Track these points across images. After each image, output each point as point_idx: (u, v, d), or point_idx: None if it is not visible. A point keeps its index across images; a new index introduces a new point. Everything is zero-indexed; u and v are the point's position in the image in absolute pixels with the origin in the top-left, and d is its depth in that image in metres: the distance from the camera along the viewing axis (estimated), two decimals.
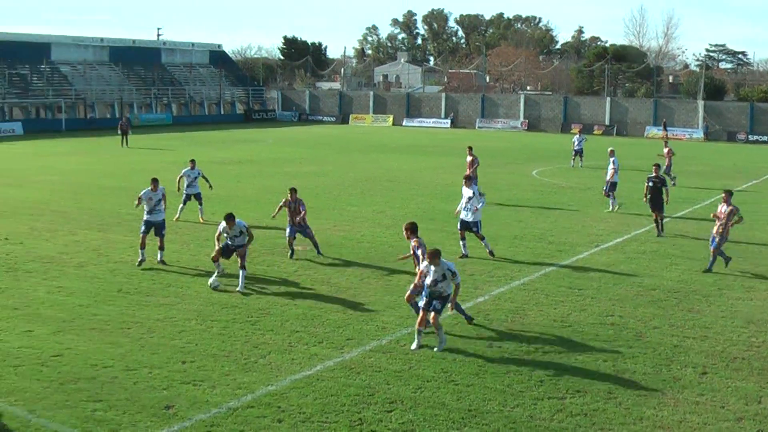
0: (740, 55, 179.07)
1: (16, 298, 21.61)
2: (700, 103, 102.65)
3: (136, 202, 26.34)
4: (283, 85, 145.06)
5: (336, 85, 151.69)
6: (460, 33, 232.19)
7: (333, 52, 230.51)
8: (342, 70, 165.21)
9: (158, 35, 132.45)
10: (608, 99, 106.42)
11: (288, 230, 26.81)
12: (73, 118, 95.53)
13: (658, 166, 32.29)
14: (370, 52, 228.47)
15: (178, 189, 33.39)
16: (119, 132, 71.79)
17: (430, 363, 16.78)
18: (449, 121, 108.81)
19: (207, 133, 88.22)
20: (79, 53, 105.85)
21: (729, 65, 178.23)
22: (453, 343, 17.98)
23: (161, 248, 25.90)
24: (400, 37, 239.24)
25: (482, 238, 26.64)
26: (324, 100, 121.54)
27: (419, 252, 19.41)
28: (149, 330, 18.69)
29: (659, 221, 31.32)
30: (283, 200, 26.84)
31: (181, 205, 33.36)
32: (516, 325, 19.51)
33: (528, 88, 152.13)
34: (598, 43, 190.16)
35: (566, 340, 18.51)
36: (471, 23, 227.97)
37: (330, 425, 13.75)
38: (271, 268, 25.12)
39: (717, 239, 25.36)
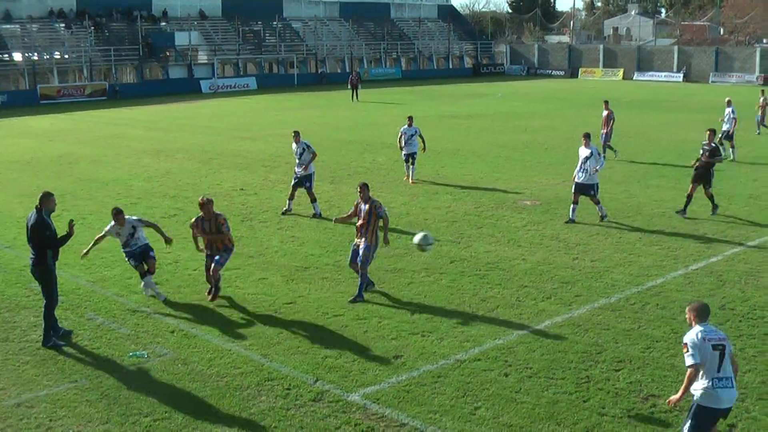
0: None
1: (252, 246, 22.44)
2: None
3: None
4: (511, 39, 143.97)
5: (565, 39, 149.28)
6: None
7: (562, 5, 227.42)
8: (571, 23, 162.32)
9: None
10: None
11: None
12: (304, 73, 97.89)
13: (712, 131, 26.43)
14: (599, 4, 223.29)
15: (400, 148, 32.32)
16: (349, 86, 73.09)
17: (660, 323, 16.41)
18: (681, 75, 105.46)
19: (435, 87, 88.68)
20: (310, 9, 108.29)
21: None
22: (683, 304, 17.48)
23: (313, 200, 26.33)
24: None
25: (598, 203, 25.05)
26: (553, 53, 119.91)
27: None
28: (379, 281, 19.01)
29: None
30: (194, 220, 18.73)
31: (405, 164, 32.21)
32: (750, 288, 18.76)
33: (765, 40, 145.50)
34: None
35: None
36: None
37: (556, 381, 13.67)
38: (499, 222, 25.08)
39: None
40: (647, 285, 18.82)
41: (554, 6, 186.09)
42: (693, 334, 10.52)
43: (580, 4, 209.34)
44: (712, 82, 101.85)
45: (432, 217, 25.62)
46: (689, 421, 10.62)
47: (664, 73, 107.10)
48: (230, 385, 13.61)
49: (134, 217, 18.52)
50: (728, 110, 38.49)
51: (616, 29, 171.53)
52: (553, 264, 20.57)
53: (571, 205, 25.27)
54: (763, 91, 47.84)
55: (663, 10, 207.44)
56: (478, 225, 24.65)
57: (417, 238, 17.89)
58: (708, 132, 26.03)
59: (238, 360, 14.62)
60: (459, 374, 13.96)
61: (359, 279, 17.99)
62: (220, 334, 15.93)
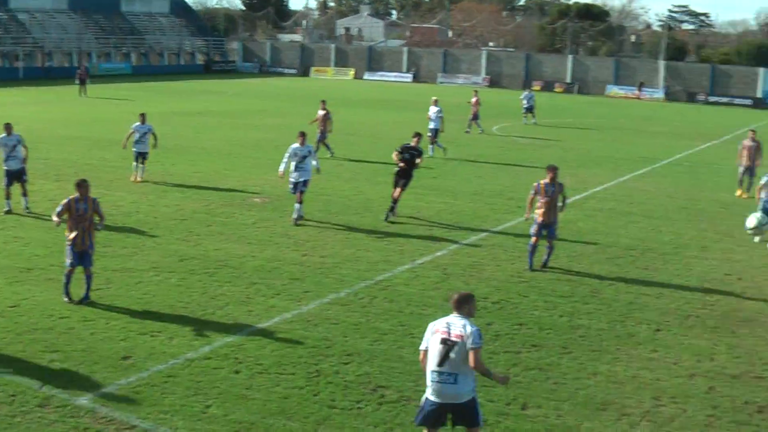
0: (702, 16, 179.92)
1: None
2: (662, 63, 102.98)
3: None
4: (244, 37, 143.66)
5: (297, 37, 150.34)
6: None
7: (295, 4, 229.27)
8: (304, 22, 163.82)
9: None
10: (570, 57, 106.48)
11: None
12: (30, 66, 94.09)
13: (419, 135, 26.61)
14: (332, 4, 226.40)
15: (125, 146, 31.43)
16: (77, 81, 70.94)
17: (388, 316, 16.85)
18: (411, 75, 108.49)
19: (167, 83, 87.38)
20: (37, 1, 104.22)
21: (691, 26, 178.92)
22: (412, 298, 18.06)
23: (24, 194, 25.42)
24: None
25: (301, 202, 25.00)
26: (285, 52, 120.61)
27: None
28: (107, 281, 18.58)
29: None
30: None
31: (134, 163, 30.85)
32: (473, 279, 19.61)
33: (491, 44, 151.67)
34: (562, 0, 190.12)
35: (523, 295, 18.64)
36: None
37: (287, 377, 13.78)
38: (229, 219, 25.02)
39: None
40: (375, 279, 19.30)
41: (287, 4, 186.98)
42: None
43: (313, 4, 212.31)
44: (440, 82, 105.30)
45: (161, 216, 25.22)
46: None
47: (394, 74, 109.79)
48: None
49: None
50: (435, 109, 40.35)
51: (348, 29, 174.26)
52: (282, 261, 20.71)
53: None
54: (476, 91, 50.17)
55: (394, 12, 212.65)
56: (208, 223, 24.47)
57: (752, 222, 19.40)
58: (415, 136, 26.31)
59: None
60: (189, 373, 13.84)
61: (87, 281, 17.51)
62: None
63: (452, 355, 10.25)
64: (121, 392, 13.14)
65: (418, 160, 25.74)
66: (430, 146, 38.19)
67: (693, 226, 26.67)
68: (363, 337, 15.70)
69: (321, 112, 37.56)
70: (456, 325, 10.37)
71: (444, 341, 10.29)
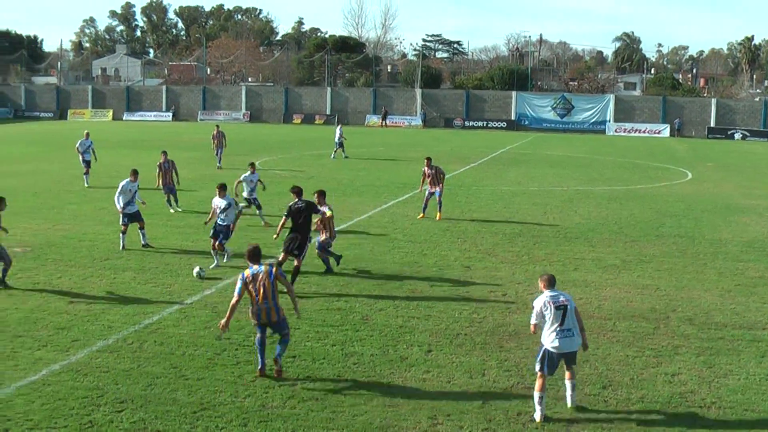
0: (456, 45, 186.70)
1: None
2: (418, 91, 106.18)
3: None
4: None
5: (53, 80, 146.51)
6: (180, 25, 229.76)
7: (49, 46, 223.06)
8: (59, 63, 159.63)
9: None
10: (329, 89, 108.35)
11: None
12: None
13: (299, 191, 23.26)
14: (88, 44, 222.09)
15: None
16: None
17: (159, 360, 16.58)
18: (171, 114, 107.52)
19: None
20: None
21: (445, 54, 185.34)
22: (182, 338, 17.86)
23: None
24: (118, 29, 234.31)
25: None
26: (41, 95, 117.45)
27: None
28: None
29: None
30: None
31: None
32: (243, 316, 19.49)
33: (249, 79, 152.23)
34: (318, 34, 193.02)
35: (294, 327, 18.64)
36: (191, 15, 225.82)
37: (59, 430, 13.35)
38: None
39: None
40: (144, 323, 18.94)
41: (41, 46, 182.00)
42: (540, 299, 14.03)
43: (67, 45, 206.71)
44: (201, 119, 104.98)
45: None
46: (538, 363, 14.06)
47: (153, 113, 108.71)
48: None
49: None
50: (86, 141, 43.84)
51: (104, 69, 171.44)
52: (47, 310, 20.04)
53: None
54: (217, 125, 50.65)
55: (151, 51, 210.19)
56: None
57: None
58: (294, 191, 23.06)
59: None
60: None
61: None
62: None
63: (567, 315, 13.86)
64: None
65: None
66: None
67: (456, 247, 27.54)
68: (135, 383, 15.37)
69: (163, 160, 34.63)
70: (559, 295, 14.01)
71: (558, 308, 13.81)
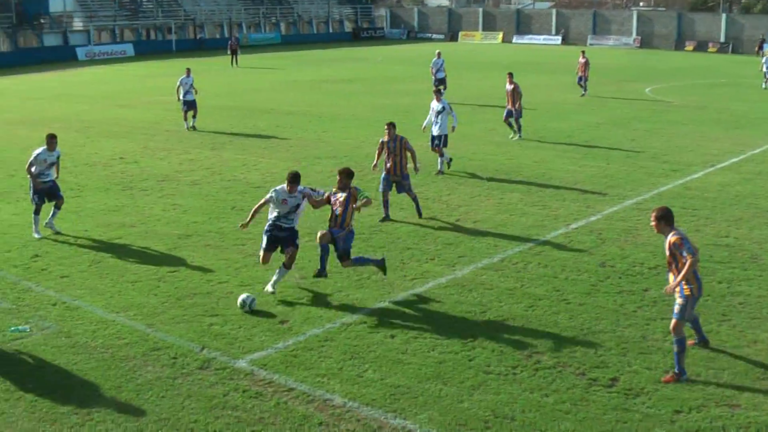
0: None
1: (133, 215, 22.09)
2: None
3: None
4: (391, 3, 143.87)
5: (445, 2, 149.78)
6: None
7: None
8: None
9: None
10: (724, 15, 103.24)
11: (382, 184, 21.78)
12: (183, 39, 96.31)
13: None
14: None
15: (179, 99, 36.23)
16: (229, 52, 72.35)
17: (542, 282, 16.71)
18: (560, 38, 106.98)
19: (316, 51, 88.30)
20: None
21: None
22: (566, 263, 17.86)
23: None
24: None
25: (441, 155, 26.83)
26: (433, 17, 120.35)
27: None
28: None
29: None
30: (380, 141, 22.22)
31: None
32: (629, 245, 19.22)
33: (641, 3, 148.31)
34: None
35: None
36: None
37: (442, 341, 13.79)
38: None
39: None
40: (528, 244, 19.15)
41: None
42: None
43: None
44: (590, 44, 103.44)
45: (311, 183, 25.49)
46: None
47: (542, 36, 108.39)
48: (115, 356, 13.38)
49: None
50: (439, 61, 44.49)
51: None
52: (435, 225, 20.74)
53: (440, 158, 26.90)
54: (583, 51, 49.01)
55: None
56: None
57: None
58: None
59: (122, 331, 14.39)
60: (345, 337, 14.00)
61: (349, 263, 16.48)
62: (104, 305, 15.65)
63: None
64: (279, 356, 13.38)
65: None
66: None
67: None
68: (517, 302, 15.62)
69: (509, 87, 33.24)
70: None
71: None
